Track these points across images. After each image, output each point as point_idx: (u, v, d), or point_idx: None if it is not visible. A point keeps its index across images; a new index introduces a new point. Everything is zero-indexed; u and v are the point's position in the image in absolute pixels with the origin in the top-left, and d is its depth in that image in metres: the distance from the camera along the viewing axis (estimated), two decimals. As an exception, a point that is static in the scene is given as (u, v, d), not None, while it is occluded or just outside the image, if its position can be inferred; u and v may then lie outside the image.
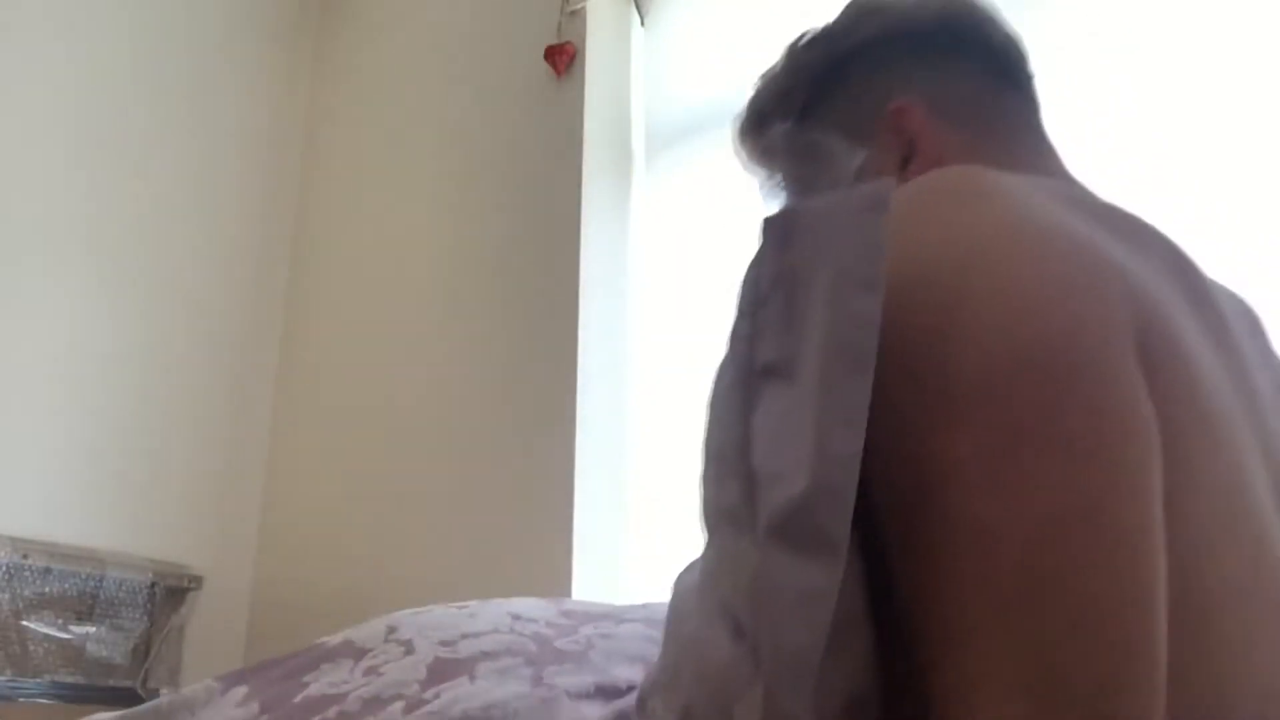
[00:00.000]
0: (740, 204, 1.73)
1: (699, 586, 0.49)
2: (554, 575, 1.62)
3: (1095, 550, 0.42)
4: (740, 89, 1.81)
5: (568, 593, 1.60)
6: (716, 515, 0.49)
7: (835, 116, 0.73)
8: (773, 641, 0.42)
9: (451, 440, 1.87)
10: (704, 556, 0.50)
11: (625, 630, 0.70)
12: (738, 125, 0.79)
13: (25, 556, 1.74)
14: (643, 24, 2.02)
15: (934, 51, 0.71)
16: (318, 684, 0.68)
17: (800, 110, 0.74)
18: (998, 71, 0.72)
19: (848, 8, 0.76)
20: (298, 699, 0.67)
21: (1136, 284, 0.49)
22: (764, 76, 0.78)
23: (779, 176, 0.76)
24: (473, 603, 0.77)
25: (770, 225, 0.51)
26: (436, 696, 0.60)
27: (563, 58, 1.92)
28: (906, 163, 0.68)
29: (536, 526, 1.68)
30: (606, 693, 0.61)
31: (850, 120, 0.71)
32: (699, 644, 0.45)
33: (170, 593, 1.92)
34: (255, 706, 0.68)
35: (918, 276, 0.48)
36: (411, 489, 1.89)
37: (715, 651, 0.44)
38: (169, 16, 2.21)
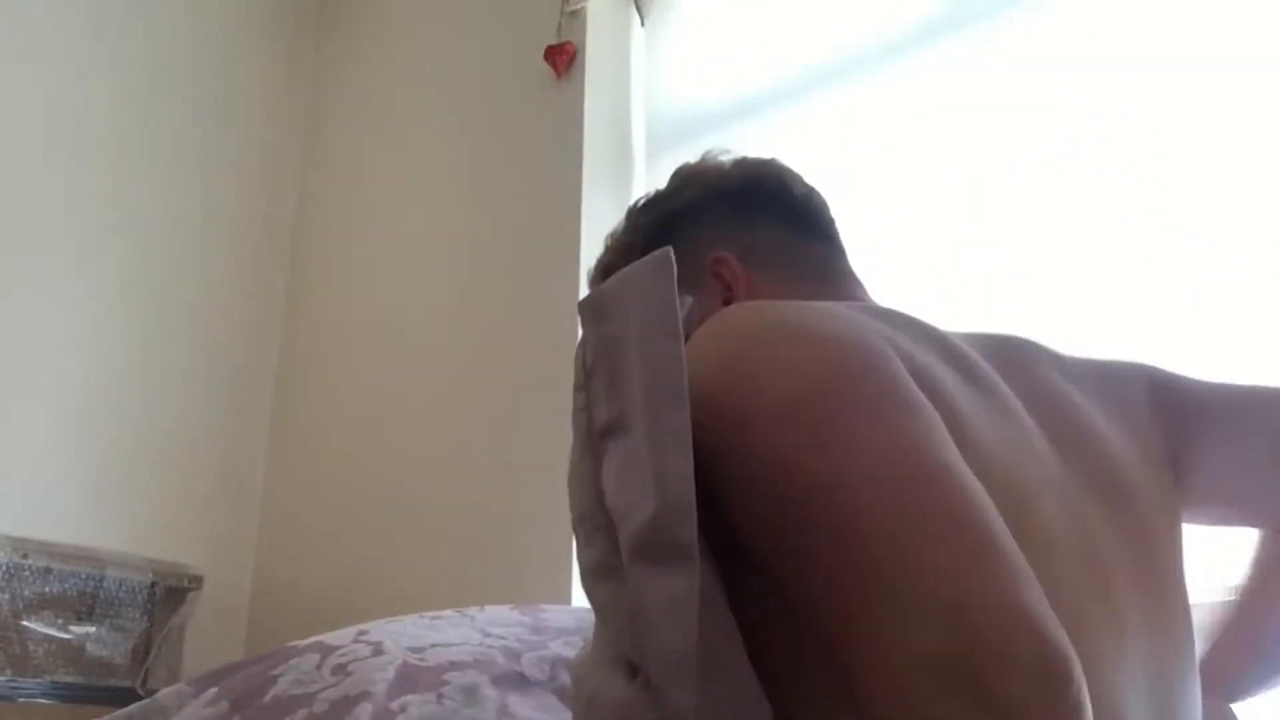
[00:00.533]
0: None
1: (592, 647, 0.54)
2: (553, 577, 1.62)
3: (918, 480, 0.50)
4: (740, 88, 1.81)
5: (567, 596, 1.59)
6: (593, 575, 0.55)
7: None
8: (650, 650, 0.46)
9: (451, 442, 1.87)
10: (595, 620, 0.55)
11: None
12: (589, 280, 0.92)
13: (25, 556, 1.74)
14: (643, 24, 2.01)
15: (743, 210, 0.84)
16: (286, 679, 0.69)
17: None
18: (798, 223, 0.85)
19: (673, 176, 0.90)
20: (267, 697, 0.67)
21: (901, 343, 0.61)
22: (608, 237, 0.91)
23: None
24: (447, 612, 0.77)
25: (585, 307, 0.60)
26: (403, 710, 0.60)
27: (563, 58, 1.92)
28: (727, 304, 0.80)
29: (536, 529, 1.68)
30: None
31: (680, 271, 0.83)
32: (597, 697, 0.48)
33: (170, 593, 1.92)
34: (225, 705, 0.68)
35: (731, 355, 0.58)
36: (411, 489, 1.89)
37: (611, 694, 0.49)
38: (169, 19, 2.21)
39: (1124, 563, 0.64)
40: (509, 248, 1.92)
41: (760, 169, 0.87)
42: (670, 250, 0.59)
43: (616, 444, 0.54)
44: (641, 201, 0.90)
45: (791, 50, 1.76)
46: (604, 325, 0.58)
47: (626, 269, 0.60)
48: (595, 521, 0.54)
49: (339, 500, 2.00)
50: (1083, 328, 1.34)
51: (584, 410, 0.57)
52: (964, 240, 1.48)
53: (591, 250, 1.80)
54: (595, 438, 0.55)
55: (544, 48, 1.93)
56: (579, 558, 0.56)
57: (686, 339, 0.74)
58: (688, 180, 0.88)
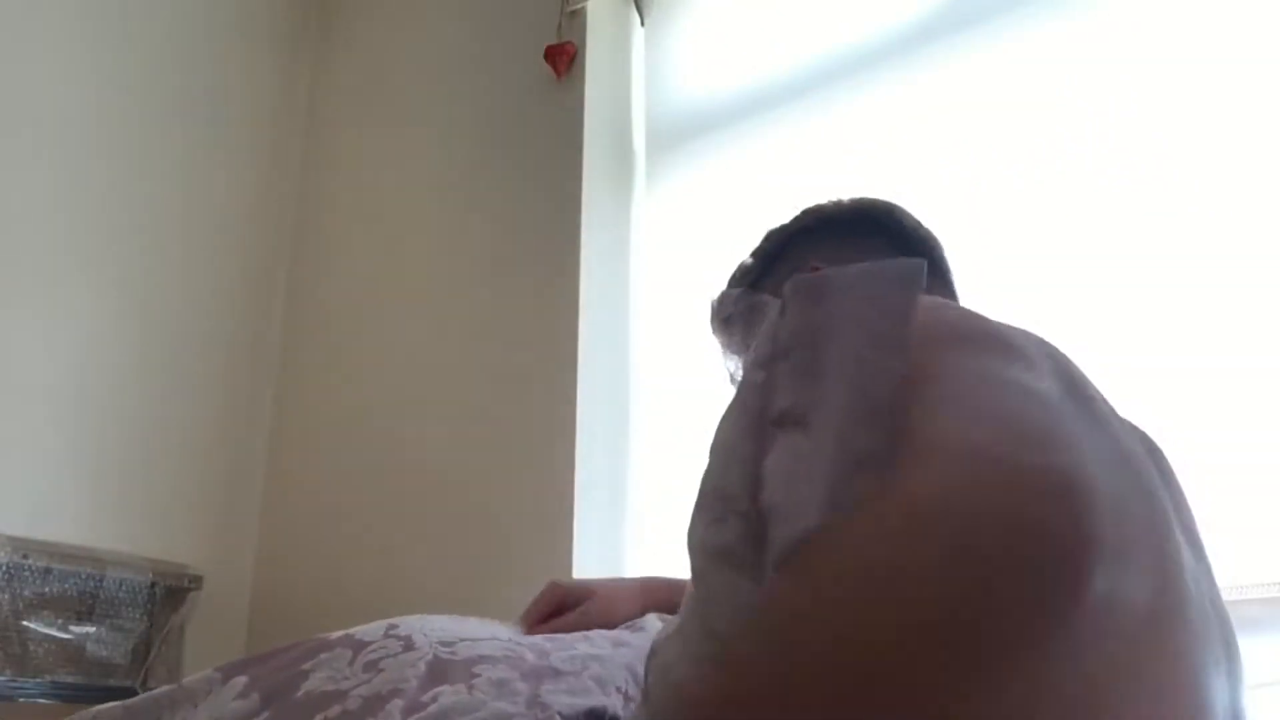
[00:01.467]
0: (741, 204, 1.73)
1: (680, 633, 0.51)
2: (553, 577, 1.62)
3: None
4: (740, 89, 1.82)
5: (567, 593, 1.59)
6: (709, 555, 0.53)
7: (775, 284, 0.87)
8: (764, 662, 0.45)
9: (451, 441, 1.87)
10: (691, 598, 0.52)
11: (619, 656, 0.71)
12: (711, 310, 0.98)
13: (25, 556, 1.74)
14: (643, 24, 2.02)
15: (853, 234, 0.90)
16: (318, 675, 0.69)
17: (752, 282, 0.94)
18: (906, 252, 0.88)
19: (796, 211, 0.96)
20: (299, 694, 0.67)
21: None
22: (736, 268, 0.98)
23: (735, 337, 0.94)
24: (472, 619, 0.78)
25: (798, 285, 0.58)
26: (434, 700, 0.61)
27: (563, 58, 1.92)
28: None
29: (537, 528, 1.68)
30: (597, 717, 0.62)
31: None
32: (681, 686, 0.47)
33: (170, 593, 1.91)
34: (256, 698, 0.68)
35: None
36: (411, 489, 1.89)
37: (698, 689, 0.47)
38: (169, 19, 2.21)
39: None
40: (509, 247, 1.92)
41: (873, 201, 0.93)
42: (922, 264, 0.58)
43: (792, 437, 0.52)
44: (766, 231, 0.97)
45: (792, 50, 1.76)
46: (815, 311, 0.56)
47: (865, 266, 0.59)
48: (737, 505, 0.52)
49: (339, 500, 2.00)
50: (1082, 328, 1.35)
51: (760, 388, 0.55)
52: (964, 240, 1.49)
53: (591, 249, 1.82)
54: (768, 421, 0.53)
55: (544, 48, 1.94)
56: (697, 531, 0.54)
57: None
58: (805, 211, 0.95)
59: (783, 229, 0.96)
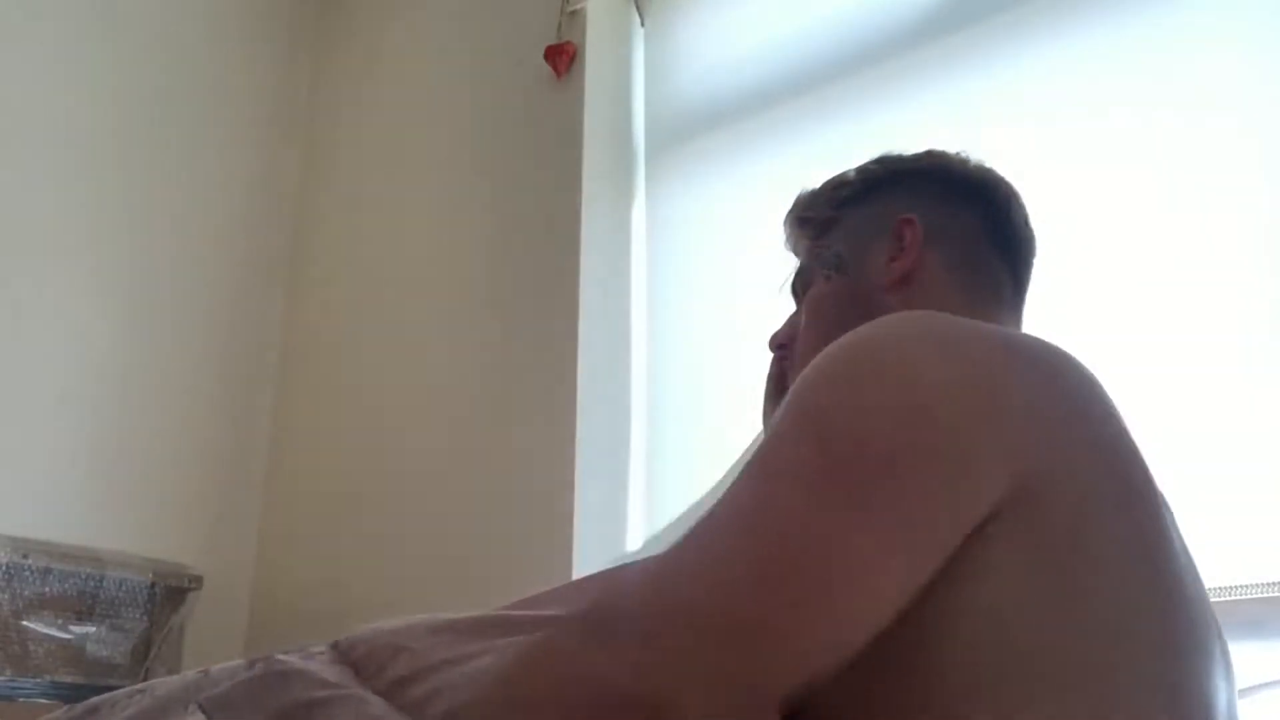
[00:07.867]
0: (741, 204, 1.72)
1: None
2: (554, 579, 1.62)
3: None
4: (740, 88, 1.81)
5: (567, 594, 1.59)
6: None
7: (865, 212, 0.90)
8: None
9: (452, 441, 1.87)
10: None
11: None
12: (797, 193, 0.96)
13: (25, 556, 1.74)
14: (643, 24, 2.02)
15: (958, 198, 0.89)
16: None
17: (845, 200, 0.92)
18: (1000, 239, 0.88)
19: (923, 150, 0.94)
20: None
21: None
22: (837, 175, 0.95)
23: (803, 235, 0.94)
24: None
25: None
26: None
27: (563, 58, 1.92)
28: (892, 262, 0.86)
29: (536, 528, 1.68)
30: None
31: (874, 218, 0.89)
32: None
33: (170, 593, 1.91)
34: None
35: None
36: (411, 489, 1.89)
37: None
38: (169, 19, 2.21)
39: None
40: (509, 248, 1.92)
41: (998, 181, 0.91)
42: None
43: None
44: (885, 152, 0.94)
45: (792, 50, 1.76)
46: None
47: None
48: None
49: (339, 500, 2.00)
50: (1084, 329, 1.35)
51: None
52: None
53: (592, 249, 1.82)
54: None
55: (544, 48, 1.94)
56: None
57: (835, 268, 0.87)
58: (929, 155, 0.93)
59: (900, 160, 0.92)
